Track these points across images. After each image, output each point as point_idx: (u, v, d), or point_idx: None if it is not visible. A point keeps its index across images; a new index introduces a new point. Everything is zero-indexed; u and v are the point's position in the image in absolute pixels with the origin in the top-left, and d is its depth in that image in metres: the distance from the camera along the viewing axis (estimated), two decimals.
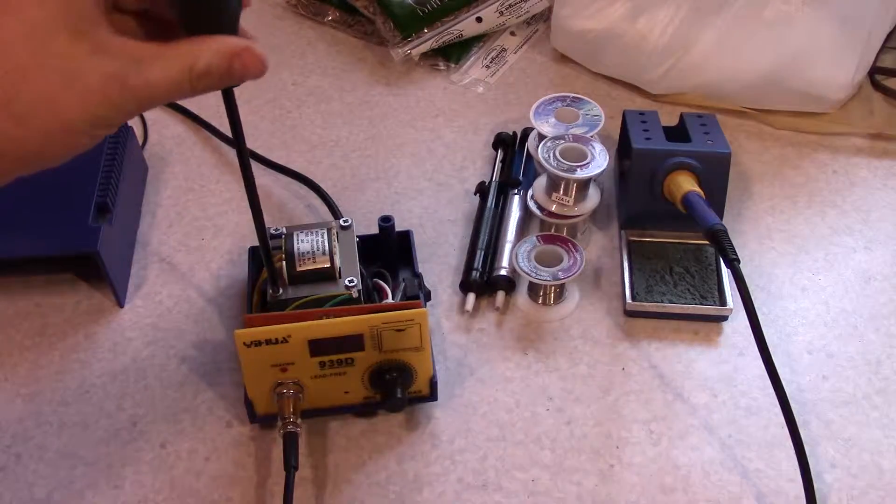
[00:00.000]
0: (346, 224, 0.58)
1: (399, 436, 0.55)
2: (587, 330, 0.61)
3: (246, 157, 0.47)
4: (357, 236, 0.58)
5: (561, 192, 0.63)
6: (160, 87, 0.37)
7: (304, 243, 0.55)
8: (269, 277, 0.53)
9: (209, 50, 0.38)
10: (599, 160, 0.62)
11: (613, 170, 0.72)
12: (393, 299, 0.57)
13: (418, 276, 0.61)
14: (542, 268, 0.60)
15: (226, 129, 0.73)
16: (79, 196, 0.61)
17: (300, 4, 0.89)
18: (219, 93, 0.41)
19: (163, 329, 0.61)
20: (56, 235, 0.60)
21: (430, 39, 0.82)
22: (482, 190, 0.69)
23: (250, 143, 0.73)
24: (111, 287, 0.61)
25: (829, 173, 0.73)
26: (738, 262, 0.55)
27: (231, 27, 0.39)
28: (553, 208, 0.64)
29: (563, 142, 0.64)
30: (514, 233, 0.65)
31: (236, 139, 0.46)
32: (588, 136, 0.65)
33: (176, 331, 0.61)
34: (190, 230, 0.68)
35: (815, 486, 0.51)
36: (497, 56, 0.85)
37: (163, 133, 0.76)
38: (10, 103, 0.34)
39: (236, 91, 0.42)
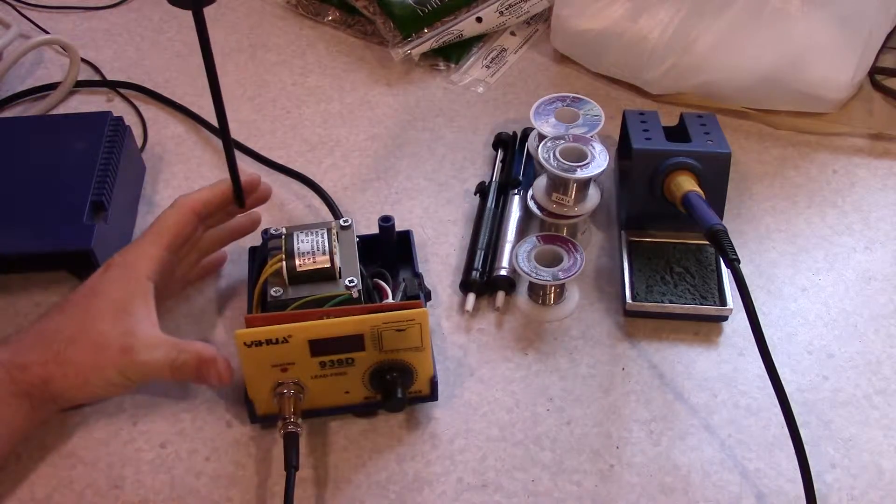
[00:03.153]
0: (346, 224, 0.58)
1: (399, 436, 0.55)
2: (587, 330, 0.61)
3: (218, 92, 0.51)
4: (357, 236, 0.58)
5: (561, 192, 0.63)
6: (152, 366, 0.51)
7: (304, 243, 0.55)
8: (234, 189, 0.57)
9: (189, 352, 0.52)
10: (599, 160, 0.62)
11: (613, 170, 0.72)
12: (393, 299, 0.57)
13: (418, 276, 0.60)
14: (542, 268, 0.60)
15: None
16: (75, 194, 0.61)
17: (300, 4, 0.89)
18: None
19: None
20: (51, 233, 0.60)
21: (430, 39, 0.82)
22: (482, 190, 0.69)
23: (251, 143, 0.74)
24: None
25: (829, 173, 0.73)
26: (738, 262, 0.55)
27: None
28: (553, 208, 0.64)
29: (563, 142, 0.64)
30: (514, 233, 0.65)
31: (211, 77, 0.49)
32: (588, 136, 0.65)
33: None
34: None
35: (815, 486, 0.51)
36: (497, 56, 0.85)
37: (162, 133, 0.76)
38: (58, 355, 0.51)
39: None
